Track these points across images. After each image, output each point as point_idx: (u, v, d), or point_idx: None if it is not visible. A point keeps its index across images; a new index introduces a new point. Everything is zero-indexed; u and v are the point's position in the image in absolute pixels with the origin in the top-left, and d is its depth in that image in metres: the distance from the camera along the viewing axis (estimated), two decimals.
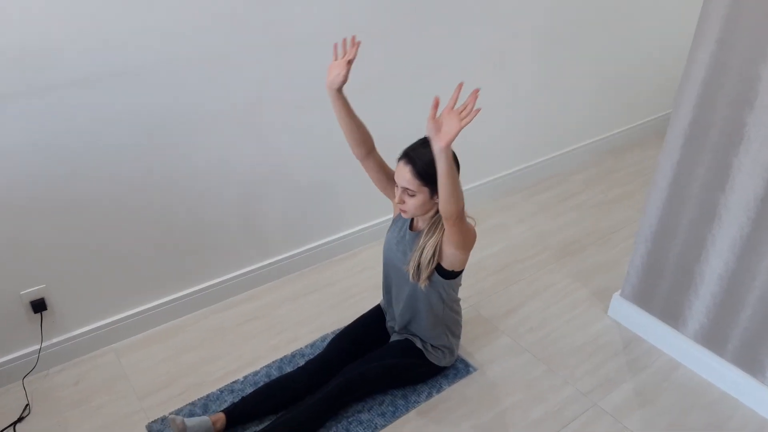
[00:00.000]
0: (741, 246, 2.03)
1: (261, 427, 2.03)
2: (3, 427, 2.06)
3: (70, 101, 1.96)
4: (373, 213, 2.98)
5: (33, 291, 2.15)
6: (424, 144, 1.86)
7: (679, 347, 2.32)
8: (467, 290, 2.69)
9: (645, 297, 2.41)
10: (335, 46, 1.89)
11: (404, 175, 1.87)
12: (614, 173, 3.69)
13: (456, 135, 1.59)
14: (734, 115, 1.92)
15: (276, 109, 2.41)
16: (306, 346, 2.39)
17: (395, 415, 2.10)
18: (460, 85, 1.65)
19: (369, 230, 2.98)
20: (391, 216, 2.27)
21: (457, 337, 2.24)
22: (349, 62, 1.88)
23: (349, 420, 2.07)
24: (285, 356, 2.34)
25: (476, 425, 2.07)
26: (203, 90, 2.20)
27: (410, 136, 1.95)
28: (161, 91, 2.11)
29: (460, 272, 2.06)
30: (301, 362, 2.25)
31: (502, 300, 2.64)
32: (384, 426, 2.06)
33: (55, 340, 2.28)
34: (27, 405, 2.15)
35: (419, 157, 1.84)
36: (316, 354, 2.23)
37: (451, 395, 2.18)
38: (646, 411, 2.12)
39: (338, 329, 2.40)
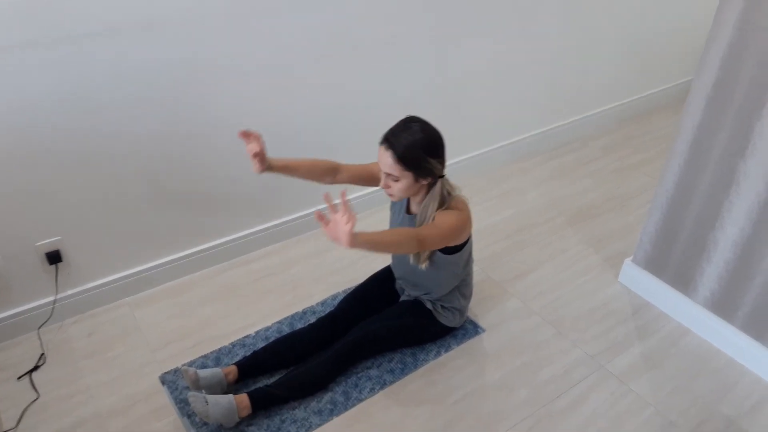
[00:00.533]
0: (758, 212, 2.00)
1: (272, 380, 2.06)
2: (20, 375, 2.12)
3: (91, 52, 1.96)
4: None
5: (48, 243, 2.18)
6: (405, 127, 1.85)
7: (688, 314, 2.31)
8: (479, 253, 2.69)
9: (657, 263, 2.39)
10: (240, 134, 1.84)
11: (386, 160, 1.84)
12: (634, 140, 3.63)
13: (349, 234, 1.59)
14: (761, 77, 1.86)
15: (298, 63, 2.38)
16: (317, 304, 2.41)
17: (403, 372, 2.12)
18: (343, 193, 1.68)
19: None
20: None
21: (468, 298, 2.24)
22: (256, 154, 1.84)
23: (359, 376, 2.09)
24: (296, 313, 2.36)
25: (484, 384, 2.09)
26: (225, 43, 2.19)
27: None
28: (183, 44, 2.10)
29: (464, 245, 2.04)
30: (312, 319, 2.27)
31: (513, 264, 2.64)
32: (392, 382, 2.09)
33: (69, 292, 2.32)
34: (42, 354, 2.20)
35: (399, 142, 1.82)
36: (327, 312, 2.25)
37: (459, 355, 2.20)
38: (653, 375, 2.12)
39: (350, 288, 2.41)
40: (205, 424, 1.92)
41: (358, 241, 1.65)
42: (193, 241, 2.52)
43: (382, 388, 2.07)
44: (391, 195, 1.93)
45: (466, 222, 1.93)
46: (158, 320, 2.35)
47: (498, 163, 3.35)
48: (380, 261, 2.57)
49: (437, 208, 1.90)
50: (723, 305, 2.20)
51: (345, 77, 2.54)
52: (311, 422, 1.95)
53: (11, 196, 2.04)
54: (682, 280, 2.32)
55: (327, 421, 1.96)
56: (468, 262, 2.12)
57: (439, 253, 1.98)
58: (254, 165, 1.86)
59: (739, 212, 2.05)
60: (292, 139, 2.55)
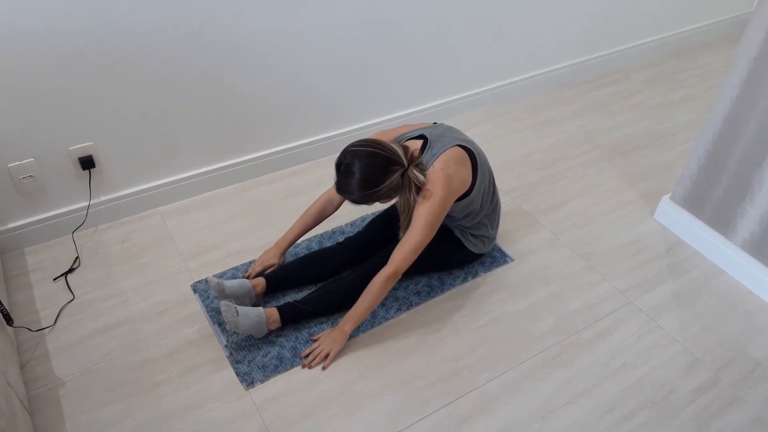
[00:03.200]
0: None
1: (300, 295, 2.09)
2: (55, 276, 2.17)
3: None
4: (430, 95, 2.90)
5: (81, 147, 2.18)
6: (346, 173, 1.80)
7: (724, 254, 2.26)
8: (511, 183, 2.65)
9: (696, 201, 2.33)
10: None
11: (352, 204, 1.91)
12: (678, 74, 3.49)
13: (337, 342, 1.92)
14: None
15: None
16: (346, 224, 2.41)
17: (430, 295, 2.13)
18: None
19: (424, 112, 2.92)
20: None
21: (496, 227, 2.22)
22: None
23: (386, 297, 2.11)
24: (326, 232, 2.37)
25: (510, 311, 2.09)
26: None
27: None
28: None
29: (468, 192, 1.97)
30: (341, 239, 2.28)
31: (546, 195, 2.60)
32: (418, 304, 2.10)
33: (102, 198, 2.34)
34: (77, 258, 2.24)
35: (349, 190, 1.83)
36: (355, 232, 2.25)
37: (487, 281, 2.20)
38: (682, 313, 2.11)
39: (379, 210, 2.40)
40: (235, 333, 1.96)
41: (349, 330, 1.92)
42: (224, 155, 2.51)
43: (408, 309, 2.09)
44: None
45: (441, 202, 1.85)
46: (190, 231, 2.37)
47: (534, 91, 3.25)
48: None
49: (417, 194, 1.86)
50: (762, 248, 2.16)
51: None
52: None
53: (43, 98, 2.02)
54: (721, 219, 2.26)
55: (354, 336, 1.99)
56: (488, 197, 2.07)
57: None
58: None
59: None
60: (333, 58, 2.48)
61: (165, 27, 2.07)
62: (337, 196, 2.12)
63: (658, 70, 3.52)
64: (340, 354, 1.94)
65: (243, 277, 2.15)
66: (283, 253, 2.17)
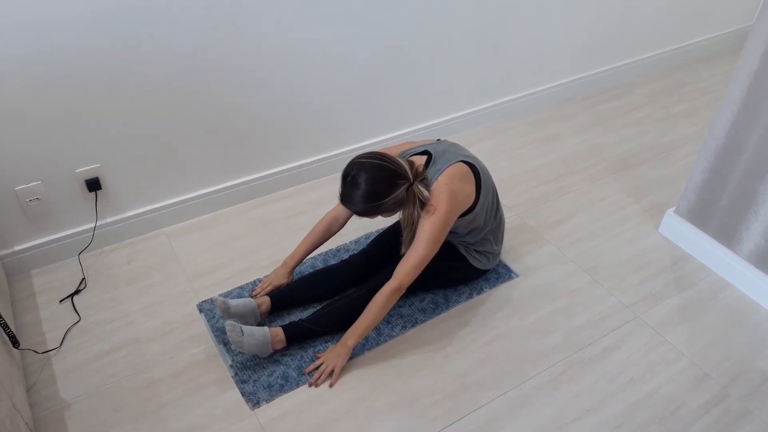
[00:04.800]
0: None
1: (305, 313, 2.09)
2: (62, 298, 2.18)
3: None
4: (433, 112, 2.92)
5: (88, 170, 2.20)
6: (352, 184, 1.81)
7: (730, 267, 2.25)
8: (515, 198, 2.65)
9: (700, 215, 2.33)
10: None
11: (355, 216, 1.94)
12: (681, 87, 3.50)
13: (341, 356, 1.93)
14: None
15: None
16: (351, 242, 2.41)
17: (435, 311, 2.13)
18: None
19: (427, 130, 2.93)
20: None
21: (500, 243, 2.22)
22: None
23: (390, 313, 2.11)
24: (330, 250, 2.37)
25: (515, 327, 2.08)
26: None
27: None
28: None
29: (472, 208, 1.97)
30: (345, 256, 2.28)
31: (550, 210, 2.60)
32: (423, 321, 2.10)
33: (108, 220, 2.35)
34: (83, 279, 2.25)
35: (353, 201, 1.84)
36: (359, 250, 2.25)
37: (492, 297, 2.19)
38: (689, 327, 2.10)
39: (383, 227, 2.40)
40: (240, 352, 1.96)
41: (352, 345, 1.91)
42: (229, 175, 2.53)
43: (413, 326, 2.08)
44: None
45: (445, 218, 1.86)
46: (195, 251, 2.38)
47: (537, 106, 3.27)
48: None
49: (421, 210, 1.87)
50: None
51: (390, 15, 2.47)
52: None
53: (49, 121, 2.04)
54: (726, 232, 2.25)
55: (359, 355, 1.99)
56: (492, 212, 2.08)
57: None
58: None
59: None
60: (336, 76, 2.50)
61: (169, 49, 2.10)
62: (342, 214, 2.13)
63: (660, 84, 3.53)
64: (345, 372, 1.93)
65: (250, 296, 2.16)
66: (291, 273, 2.18)
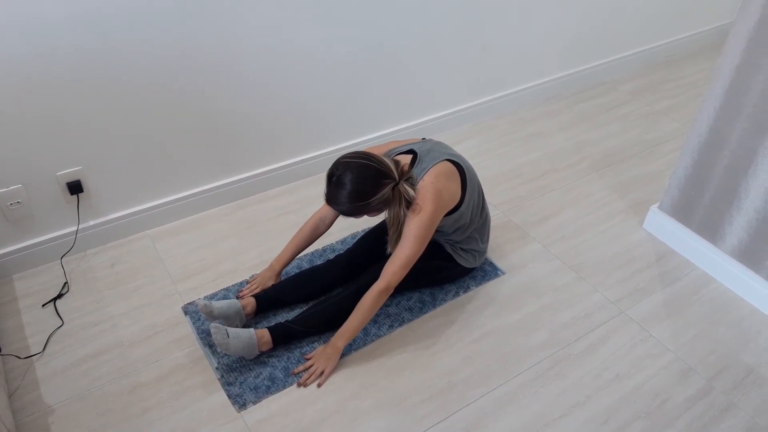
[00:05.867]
0: None
1: (291, 314, 2.08)
2: (44, 302, 2.15)
3: None
4: (418, 111, 2.91)
5: (69, 172, 2.17)
6: (337, 184, 1.80)
7: (714, 262, 2.27)
8: (500, 196, 2.66)
9: (684, 210, 2.34)
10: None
11: (340, 215, 1.93)
12: (664, 84, 3.52)
13: (331, 358, 1.93)
14: None
15: None
16: (337, 242, 2.40)
17: (422, 310, 2.13)
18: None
19: (412, 128, 2.93)
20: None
21: (486, 242, 2.22)
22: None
23: (377, 313, 2.10)
24: (316, 250, 2.36)
25: (502, 325, 2.09)
26: None
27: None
28: None
29: (458, 207, 1.97)
30: (332, 256, 2.27)
31: (535, 207, 2.60)
32: (411, 320, 2.10)
33: (91, 223, 2.33)
34: (66, 283, 2.23)
35: (338, 201, 1.83)
36: (345, 249, 2.25)
37: (478, 296, 2.19)
38: (674, 321, 2.11)
39: (369, 227, 2.40)
40: (226, 355, 1.95)
41: (342, 346, 1.91)
42: (213, 176, 2.51)
43: (400, 325, 2.08)
44: None
45: (431, 216, 1.85)
46: (179, 253, 2.36)
47: (522, 104, 3.27)
48: None
49: (407, 209, 1.86)
50: (751, 254, 2.16)
51: (379, 14, 2.46)
52: None
53: (30, 124, 2.02)
54: (710, 228, 2.27)
55: (346, 354, 1.98)
56: (477, 210, 2.08)
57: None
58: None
59: None
60: (321, 76, 2.49)
61: (152, 50, 2.08)
62: (328, 215, 2.12)
63: (643, 81, 3.56)
64: (333, 372, 1.92)
65: (236, 298, 2.15)
66: (278, 275, 2.17)
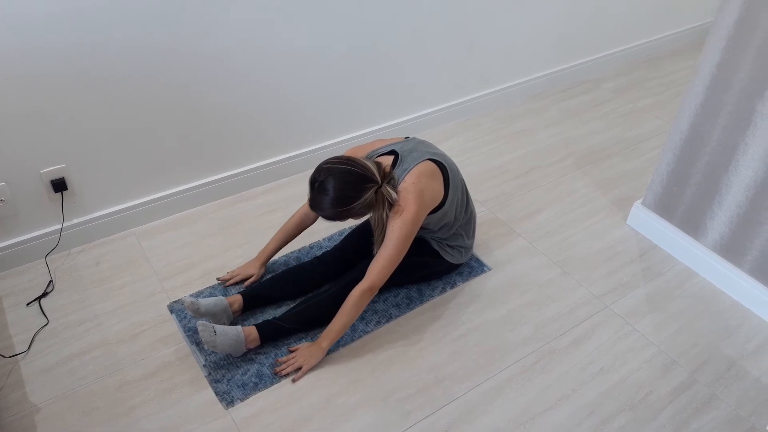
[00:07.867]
0: None
1: (278, 311, 2.08)
2: (29, 301, 2.14)
3: None
4: (404, 109, 2.92)
5: (53, 170, 2.16)
6: (320, 190, 1.81)
7: (696, 257, 2.30)
8: (486, 193, 2.67)
9: (666, 206, 2.37)
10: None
11: (324, 219, 1.92)
12: (647, 82, 3.56)
13: (314, 356, 1.94)
14: None
15: None
16: (324, 239, 2.41)
17: (409, 306, 2.14)
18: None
19: (399, 126, 2.94)
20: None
21: (472, 237, 2.24)
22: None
23: (365, 309, 2.11)
24: (303, 247, 2.36)
25: (488, 320, 2.10)
26: None
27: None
28: None
29: (441, 205, 1.97)
30: (319, 254, 2.27)
31: (520, 204, 2.62)
32: (398, 316, 2.11)
33: (76, 221, 2.31)
34: (50, 281, 2.21)
35: (322, 206, 1.84)
36: (332, 246, 2.25)
37: (465, 292, 2.21)
38: (657, 315, 2.14)
39: (356, 224, 2.40)
40: (213, 352, 1.95)
41: (326, 347, 1.92)
42: (199, 173, 2.50)
43: (387, 321, 2.09)
44: None
45: (413, 217, 1.86)
46: (165, 251, 2.35)
47: (508, 102, 3.30)
48: None
49: (390, 210, 1.88)
50: (732, 249, 2.20)
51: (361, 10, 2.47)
52: None
53: (14, 120, 2.00)
54: (692, 223, 2.30)
55: (333, 351, 1.98)
56: (462, 207, 2.09)
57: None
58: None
59: (755, 155, 2.01)
60: (307, 73, 2.49)
61: (138, 46, 2.07)
62: (312, 216, 2.15)
63: (627, 78, 3.59)
64: (320, 369, 1.93)
65: (218, 281, 2.17)
66: (263, 265, 2.17)
